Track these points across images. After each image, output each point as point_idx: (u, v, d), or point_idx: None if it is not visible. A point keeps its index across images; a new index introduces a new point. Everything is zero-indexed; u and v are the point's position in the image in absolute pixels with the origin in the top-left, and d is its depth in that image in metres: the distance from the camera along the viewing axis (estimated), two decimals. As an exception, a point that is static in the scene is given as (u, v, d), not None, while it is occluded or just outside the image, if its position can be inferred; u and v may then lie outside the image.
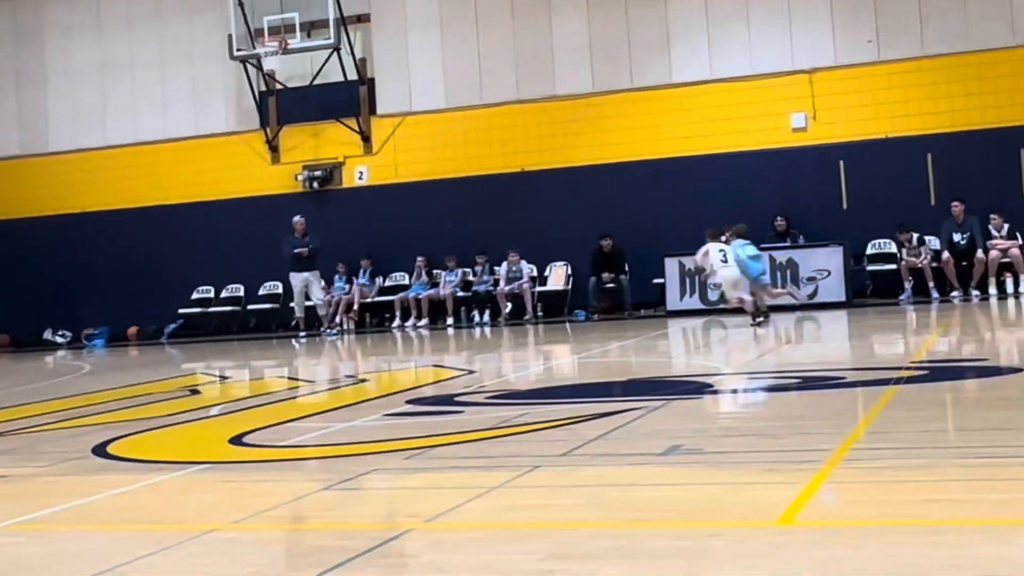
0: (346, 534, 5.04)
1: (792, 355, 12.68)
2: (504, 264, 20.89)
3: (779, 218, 19.91)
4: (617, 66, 21.06)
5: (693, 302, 19.59)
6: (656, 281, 19.94)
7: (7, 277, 23.43)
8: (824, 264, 19.18)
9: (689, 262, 19.30)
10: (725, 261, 14.97)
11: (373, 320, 21.81)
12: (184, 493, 6.42)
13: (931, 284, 19.21)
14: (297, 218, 21.00)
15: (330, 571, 4.28)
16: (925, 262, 19.17)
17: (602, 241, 20.40)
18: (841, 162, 20.07)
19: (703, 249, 15.36)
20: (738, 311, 15.60)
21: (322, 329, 20.79)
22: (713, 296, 18.59)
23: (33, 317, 23.27)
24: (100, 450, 7.72)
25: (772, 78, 20.38)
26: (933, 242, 19.53)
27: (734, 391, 9.36)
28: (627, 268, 20.52)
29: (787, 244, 19.73)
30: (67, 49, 24.06)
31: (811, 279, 19.11)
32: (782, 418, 7.57)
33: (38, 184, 23.84)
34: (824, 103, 20.26)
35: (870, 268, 20.01)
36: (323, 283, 21.06)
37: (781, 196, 20.01)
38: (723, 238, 15.38)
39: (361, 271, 21.65)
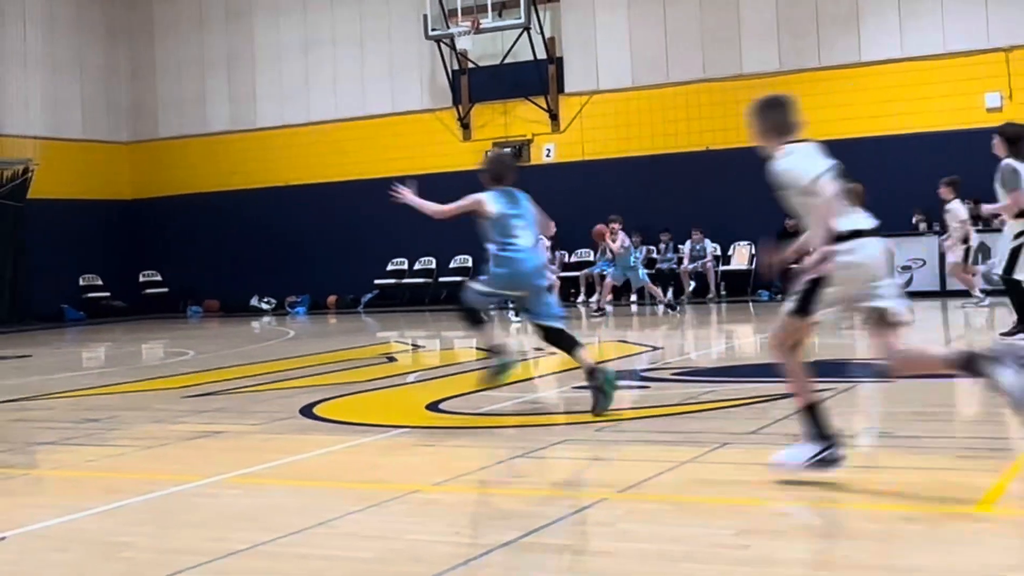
0: (541, 500, 5.17)
1: (983, 340, 12.25)
2: (688, 242, 20.73)
3: (970, 200, 19.15)
4: (805, 44, 20.59)
5: (878, 283, 19.04)
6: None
7: (218, 246, 24.51)
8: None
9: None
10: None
11: (558, 296, 21.99)
12: (386, 455, 6.66)
13: None
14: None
15: (528, 535, 4.39)
16: None
17: (787, 221, 20.02)
18: (1039, 143, 19.16)
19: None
20: None
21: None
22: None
23: (241, 285, 24.29)
24: (307, 411, 8.05)
25: (966, 56, 19.59)
26: None
27: (924, 375, 9.09)
28: (812, 248, 20.11)
29: (979, 228, 18.97)
30: (274, 29, 24.92)
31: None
32: (975, 404, 7.36)
33: (247, 158, 24.85)
34: (1021, 82, 19.37)
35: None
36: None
37: (974, 178, 19.24)
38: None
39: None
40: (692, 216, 20.68)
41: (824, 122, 20.32)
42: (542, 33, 21.98)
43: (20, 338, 19.27)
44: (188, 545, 4.55)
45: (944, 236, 17.14)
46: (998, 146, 11.02)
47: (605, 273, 20.96)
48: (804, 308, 5.06)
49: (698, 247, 20.60)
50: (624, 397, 8.56)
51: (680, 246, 20.98)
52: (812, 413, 5.04)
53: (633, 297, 20.70)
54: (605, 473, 5.72)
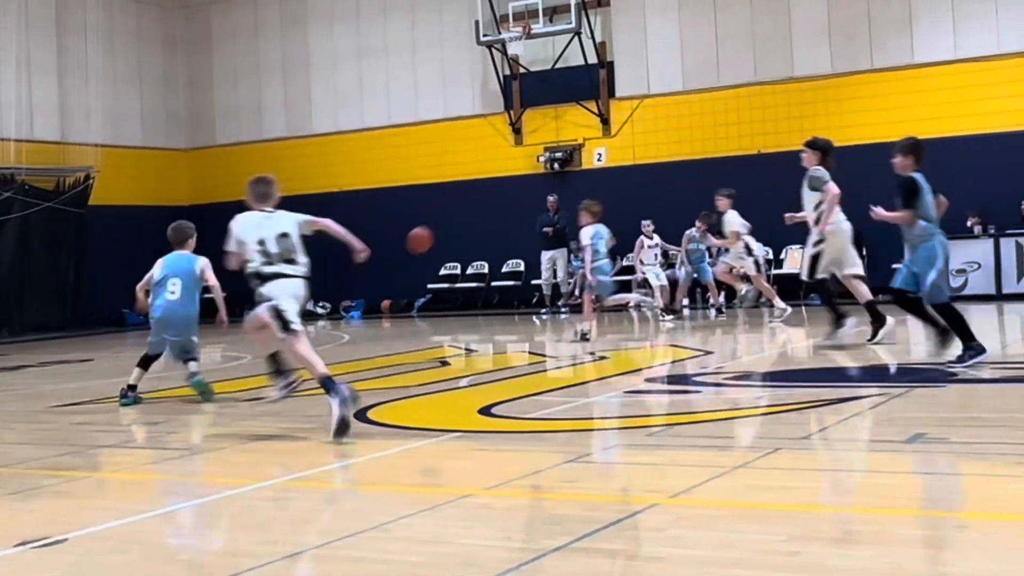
0: (592, 505, 5.15)
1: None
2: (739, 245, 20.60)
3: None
4: (857, 46, 20.39)
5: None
6: (896, 265, 19.24)
7: (273, 251, 24.70)
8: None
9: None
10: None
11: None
12: (439, 459, 6.68)
13: None
14: (550, 197, 21.28)
15: (579, 540, 4.39)
16: None
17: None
18: (1095, 145, 18.85)
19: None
20: None
21: (562, 304, 21.03)
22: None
23: (296, 289, 24.46)
24: (361, 415, 8.08)
25: (1021, 57, 19.31)
26: None
27: (979, 380, 8.97)
28: (864, 253, 19.91)
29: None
30: (328, 38, 25.12)
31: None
32: (1031, 409, 7.24)
33: (302, 164, 25.02)
34: (1077, 83, 19.06)
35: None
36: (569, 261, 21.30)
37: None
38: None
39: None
40: (744, 219, 20.54)
41: (876, 125, 20.13)
42: (593, 38, 21.96)
43: (82, 342, 19.57)
44: (244, 548, 4.59)
45: (724, 252, 17.30)
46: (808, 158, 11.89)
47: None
48: None
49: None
50: (676, 402, 8.52)
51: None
52: None
53: (685, 301, 20.62)
54: (656, 479, 5.70)
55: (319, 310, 24.16)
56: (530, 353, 13.96)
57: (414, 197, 23.34)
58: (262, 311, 7.47)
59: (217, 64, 26.12)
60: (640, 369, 11.14)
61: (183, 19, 26.36)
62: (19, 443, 8.13)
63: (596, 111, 22.34)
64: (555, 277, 21.08)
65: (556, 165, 22.54)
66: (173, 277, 9.93)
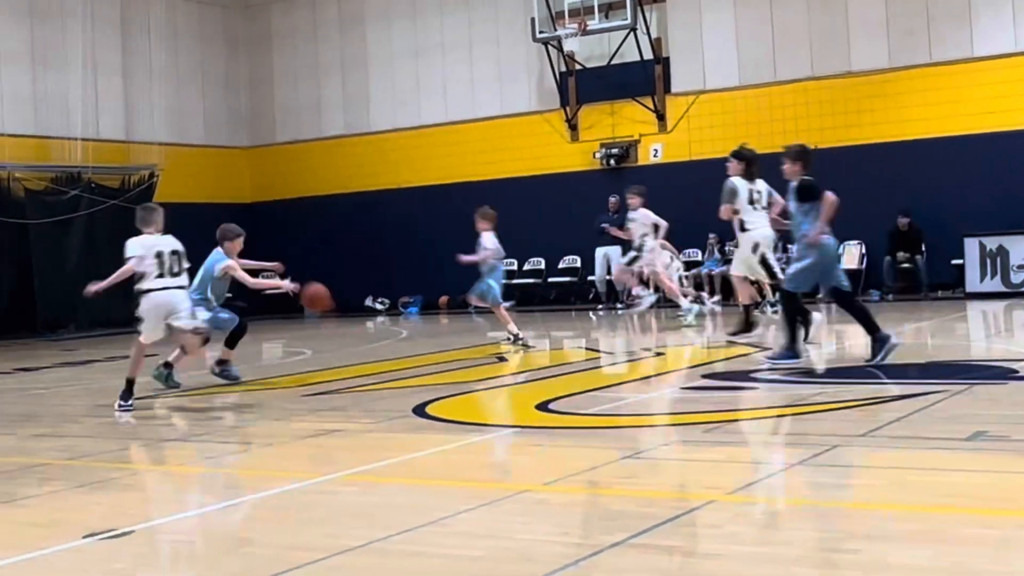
0: (649, 501, 5.14)
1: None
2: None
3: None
4: (915, 40, 20.09)
5: (994, 284, 18.53)
6: (955, 262, 19.01)
7: (333, 248, 24.85)
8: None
9: (991, 243, 18.35)
10: None
11: (665, 295, 21.81)
12: (497, 454, 6.70)
13: None
14: (612, 197, 21.21)
15: (636, 536, 4.38)
16: None
17: (899, 220, 19.61)
18: None
19: None
20: None
21: (619, 303, 20.97)
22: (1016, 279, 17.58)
23: (356, 285, 24.57)
24: (420, 410, 8.13)
25: (1084, 49, 18.94)
26: None
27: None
28: (923, 248, 19.64)
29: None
30: (386, 36, 25.21)
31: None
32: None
33: (361, 162, 25.16)
34: None
35: None
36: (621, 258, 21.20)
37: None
38: None
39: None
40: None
41: (935, 119, 19.86)
42: (648, 34, 21.85)
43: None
44: (305, 541, 4.63)
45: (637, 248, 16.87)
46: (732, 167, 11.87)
47: (712, 273, 20.78)
48: None
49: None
50: (733, 398, 8.47)
51: (790, 245, 20.65)
52: None
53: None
54: (713, 475, 5.67)
55: (378, 306, 24.30)
56: (587, 349, 13.94)
57: (470, 194, 23.32)
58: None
59: (277, 63, 26.33)
60: (697, 365, 11.08)
61: (244, 19, 26.61)
62: (87, 436, 8.27)
63: (652, 107, 22.23)
64: (608, 274, 21.02)
65: (612, 161, 22.47)
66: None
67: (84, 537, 4.95)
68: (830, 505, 4.82)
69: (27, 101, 22.17)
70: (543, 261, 23.26)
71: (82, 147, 22.43)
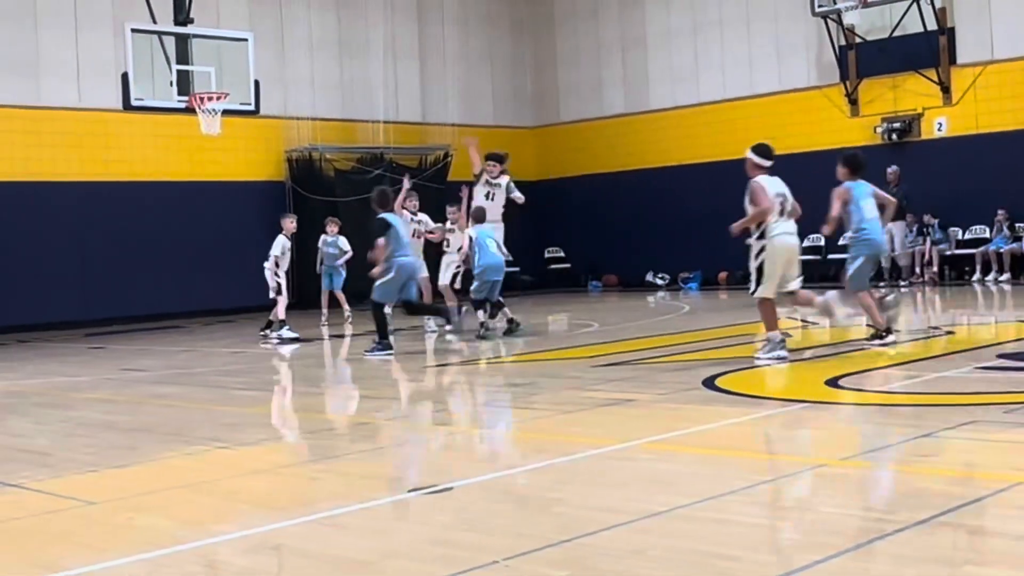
0: (952, 480, 5.01)
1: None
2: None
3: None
4: None
5: None
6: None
7: (615, 224, 25.09)
8: None
9: None
10: None
11: (952, 273, 20.83)
12: (790, 428, 6.67)
13: None
14: (890, 168, 20.45)
15: (943, 515, 4.28)
16: None
17: None
18: None
19: None
20: None
21: (901, 281, 20.18)
22: None
23: (637, 260, 24.78)
24: (710, 383, 8.16)
25: None
26: None
27: None
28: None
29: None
30: (664, 14, 25.12)
31: None
32: None
33: (641, 140, 25.24)
34: None
35: None
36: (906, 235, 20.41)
37: None
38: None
39: (927, 226, 20.67)
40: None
41: None
42: (932, 3, 20.79)
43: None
44: (612, 504, 4.78)
45: None
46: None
47: (1001, 250, 19.66)
48: None
49: None
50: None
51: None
52: None
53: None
54: (1018, 456, 5.44)
55: (658, 281, 24.37)
56: (869, 326, 13.51)
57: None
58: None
59: (560, 44, 26.73)
60: (991, 345, 10.58)
61: (528, 3, 27.13)
62: (402, 400, 8.76)
63: (936, 79, 21.18)
64: (893, 250, 20.24)
65: (894, 136, 21.58)
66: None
67: (409, 491, 5.30)
68: None
69: (335, 87, 23.50)
70: (822, 238, 22.65)
71: (384, 129, 23.59)
